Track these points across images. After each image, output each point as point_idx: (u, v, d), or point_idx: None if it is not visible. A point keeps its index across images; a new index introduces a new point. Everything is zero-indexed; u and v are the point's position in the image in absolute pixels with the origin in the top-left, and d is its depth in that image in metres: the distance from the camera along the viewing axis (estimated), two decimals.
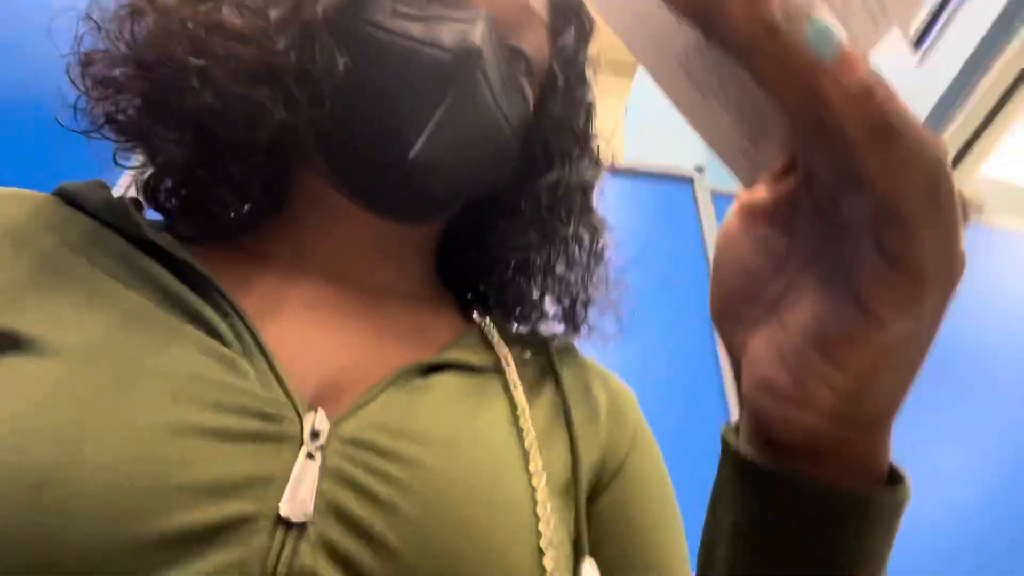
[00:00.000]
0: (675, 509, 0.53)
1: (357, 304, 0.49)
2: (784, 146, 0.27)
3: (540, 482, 0.42)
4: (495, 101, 0.48)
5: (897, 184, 0.22)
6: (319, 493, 0.34)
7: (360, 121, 0.47)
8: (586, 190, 0.58)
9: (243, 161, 0.48)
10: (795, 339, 0.26)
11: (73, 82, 0.47)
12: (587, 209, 0.59)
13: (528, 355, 0.53)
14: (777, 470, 0.29)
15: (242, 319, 0.41)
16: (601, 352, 0.60)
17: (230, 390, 0.36)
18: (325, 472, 0.35)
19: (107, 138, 0.49)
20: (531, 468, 0.42)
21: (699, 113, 0.28)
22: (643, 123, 3.40)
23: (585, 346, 0.60)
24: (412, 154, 0.45)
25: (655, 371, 1.31)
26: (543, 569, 0.38)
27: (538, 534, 0.39)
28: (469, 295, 0.61)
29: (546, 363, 0.53)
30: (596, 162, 0.60)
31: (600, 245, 0.59)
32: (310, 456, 0.35)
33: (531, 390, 0.50)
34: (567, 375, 0.53)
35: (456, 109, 0.46)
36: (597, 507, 0.49)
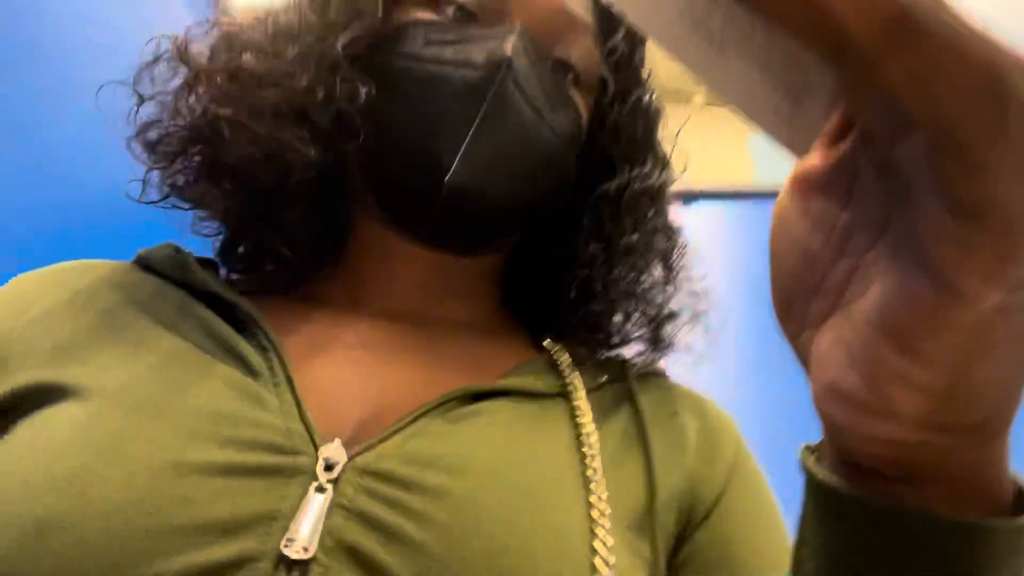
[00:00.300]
0: (786, 545, 0.47)
1: (413, 339, 0.48)
2: (833, 101, 0.23)
3: (603, 513, 0.38)
4: (536, 114, 0.47)
5: (937, 98, 0.17)
6: (328, 530, 0.33)
7: (396, 151, 0.46)
8: (654, 197, 0.55)
9: (291, 208, 0.48)
10: (864, 332, 0.21)
11: (136, 157, 0.49)
12: (658, 217, 0.55)
13: (603, 379, 0.50)
14: (860, 496, 0.24)
15: (277, 353, 0.40)
16: (696, 372, 0.56)
17: (247, 424, 0.35)
18: (335, 506, 0.33)
19: (177, 206, 0.51)
20: (592, 498, 0.38)
21: (718, 73, 0.25)
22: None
23: (680, 367, 0.56)
24: (448, 179, 0.44)
25: (755, 389, 1.22)
26: None
27: (593, 569, 0.35)
28: (541, 324, 0.58)
29: (624, 389, 0.50)
30: (664, 167, 0.56)
31: (676, 254, 0.55)
32: (320, 490, 0.34)
33: (603, 416, 0.46)
34: (648, 400, 0.49)
35: (490, 125, 0.45)
36: (691, 547, 0.44)
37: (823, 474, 0.26)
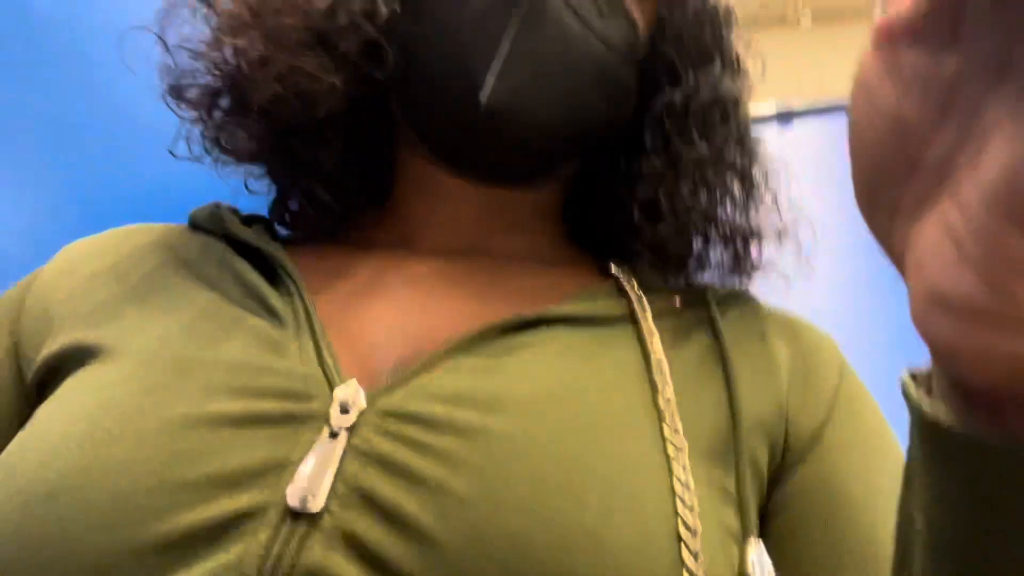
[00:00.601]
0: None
1: (466, 272, 0.44)
2: None
3: (680, 448, 0.33)
4: (581, 22, 0.41)
5: None
6: (341, 476, 0.29)
7: (427, 72, 0.42)
8: (726, 106, 0.48)
9: (326, 147, 0.46)
10: (979, 216, 0.17)
11: (173, 110, 0.47)
12: (731, 129, 0.48)
13: (676, 302, 0.44)
14: (976, 434, 0.20)
15: (302, 297, 0.38)
16: (788, 297, 0.49)
17: (264, 373, 0.33)
18: (351, 451, 0.30)
19: (219, 159, 0.50)
20: (666, 432, 0.34)
21: None
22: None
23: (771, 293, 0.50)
24: (483, 97, 0.39)
25: (853, 309, 1.12)
26: (682, 563, 0.30)
27: (674, 512, 0.31)
28: (609, 254, 0.53)
29: (702, 313, 0.44)
30: (736, 73, 0.49)
31: (756, 169, 0.49)
32: (333, 435, 0.31)
33: (677, 340, 0.41)
34: (730, 323, 0.43)
35: (526, 36, 0.40)
36: (789, 486, 0.39)
37: (931, 407, 0.21)
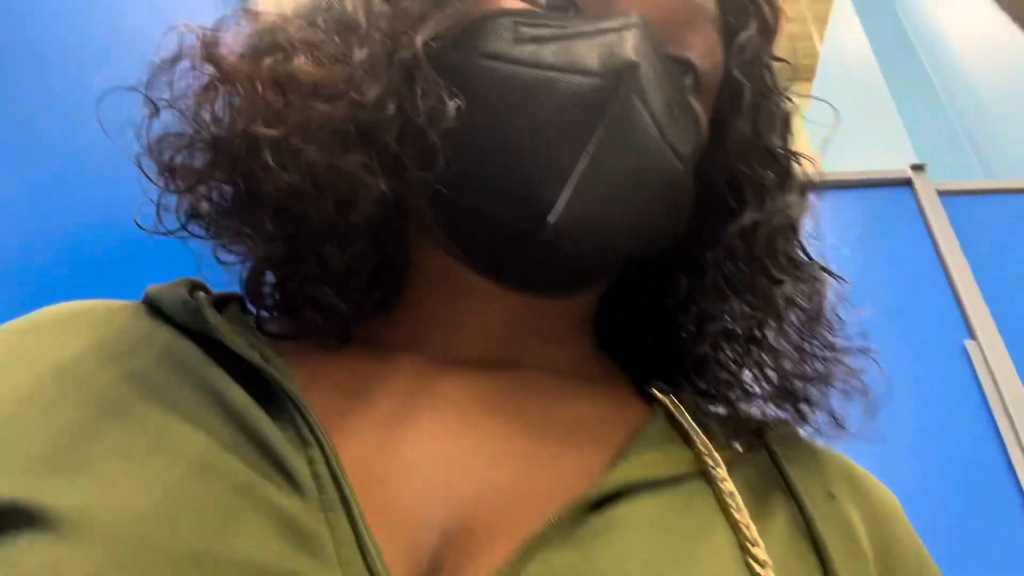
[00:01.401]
0: None
1: (506, 396, 0.37)
2: None
3: None
4: (660, 131, 0.36)
5: None
6: None
7: (484, 179, 0.35)
8: (794, 230, 0.43)
9: (345, 248, 0.38)
10: None
11: (149, 177, 0.39)
12: (797, 254, 0.44)
13: (738, 446, 0.38)
14: None
15: (325, 454, 0.30)
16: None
17: None
18: None
19: (196, 236, 0.42)
20: None
21: None
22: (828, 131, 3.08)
23: None
24: (553, 217, 0.33)
25: (903, 439, 1.07)
26: None
27: None
28: (644, 371, 0.47)
29: (765, 460, 0.38)
30: (803, 190, 0.44)
31: (820, 299, 0.43)
32: None
33: (755, 503, 0.35)
34: (796, 476, 0.38)
35: (608, 150, 0.33)
36: None
37: None
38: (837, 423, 0.42)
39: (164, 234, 0.41)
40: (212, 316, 0.35)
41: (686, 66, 0.40)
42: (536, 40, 0.36)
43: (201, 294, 0.38)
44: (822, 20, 3.86)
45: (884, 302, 1.18)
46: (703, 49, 0.40)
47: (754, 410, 0.44)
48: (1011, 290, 1.26)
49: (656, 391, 0.41)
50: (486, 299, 0.39)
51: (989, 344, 1.17)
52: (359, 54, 0.35)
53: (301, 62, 0.34)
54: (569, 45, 0.35)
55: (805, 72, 3.52)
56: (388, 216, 0.38)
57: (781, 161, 0.43)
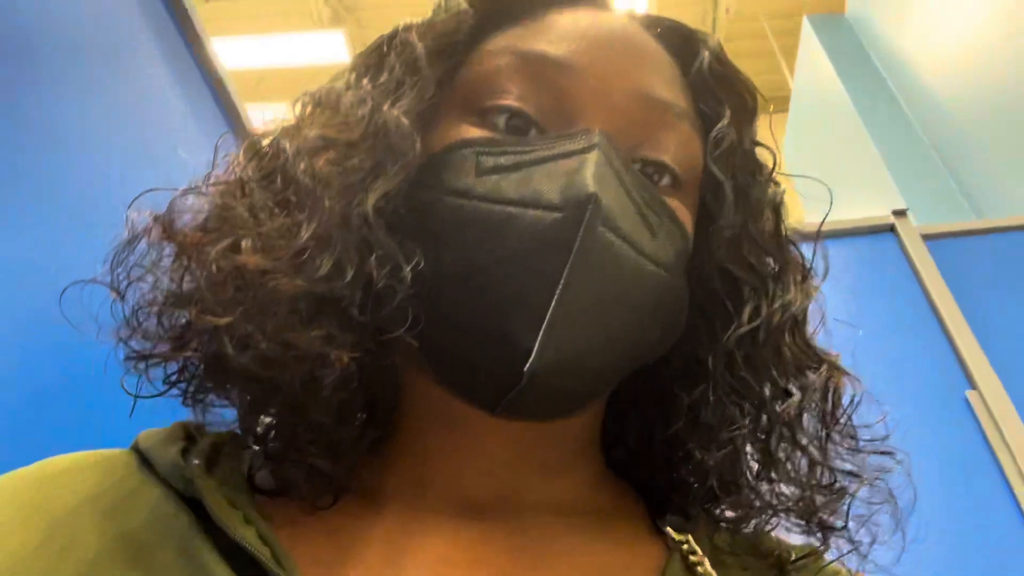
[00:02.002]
0: None
1: (509, 550, 0.36)
2: None
3: None
4: (635, 249, 0.35)
5: None
6: None
7: (459, 328, 0.35)
8: (798, 324, 0.41)
9: (328, 405, 0.36)
10: None
11: (123, 341, 0.39)
12: (805, 354, 0.42)
13: None
14: None
15: None
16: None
17: None
18: None
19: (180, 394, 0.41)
20: None
21: None
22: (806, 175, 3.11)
23: None
24: (530, 366, 0.32)
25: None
26: None
27: None
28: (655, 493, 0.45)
29: None
30: (803, 280, 0.43)
31: (834, 400, 0.41)
32: None
33: None
34: None
35: (579, 284, 0.33)
36: None
37: None
38: (857, 547, 0.40)
39: (147, 397, 0.40)
40: (208, 494, 0.34)
41: (660, 167, 0.39)
42: (497, 170, 0.36)
43: (196, 463, 0.37)
44: (790, 54, 3.95)
45: (879, 358, 1.18)
46: (676, 147, 0.40)
47: (776, 532, 0.42)
48: (1007, 334, 1.26)
49: (671, 530, 0.39)
50: (485, 430, 0.38)
51: (991, 392, 1.16)
52: (308, 227, 0.34)
53: (246, 246, 0.33)
54: (530, 175, 0.35)
55: (779, 103, 3.58)
56: (374, 358, 0.37)
57: (773, 252, 0.42)
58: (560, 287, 0.32)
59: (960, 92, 2.57)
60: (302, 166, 0.35)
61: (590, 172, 0.34)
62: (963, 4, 2.54)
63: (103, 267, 0.36)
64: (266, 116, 0.41)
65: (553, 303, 0.32)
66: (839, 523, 0.40)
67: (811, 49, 3.37)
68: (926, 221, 1.47)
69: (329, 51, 4.62)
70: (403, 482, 0.39)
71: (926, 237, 1.43)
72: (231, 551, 0.32)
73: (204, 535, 0.33)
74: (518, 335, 0.32)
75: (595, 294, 0.34)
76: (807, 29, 3.55)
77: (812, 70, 3.37)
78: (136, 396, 0.40)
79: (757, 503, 0.41)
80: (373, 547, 0.35)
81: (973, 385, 1.19)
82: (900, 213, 1.48)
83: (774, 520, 0.41)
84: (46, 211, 0.72)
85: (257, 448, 0.40)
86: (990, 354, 1.21)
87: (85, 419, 0.67)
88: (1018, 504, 1.06)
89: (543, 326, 0.32)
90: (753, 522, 0.41)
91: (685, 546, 0.38)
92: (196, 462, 0.37)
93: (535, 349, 0.32)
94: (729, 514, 0.42)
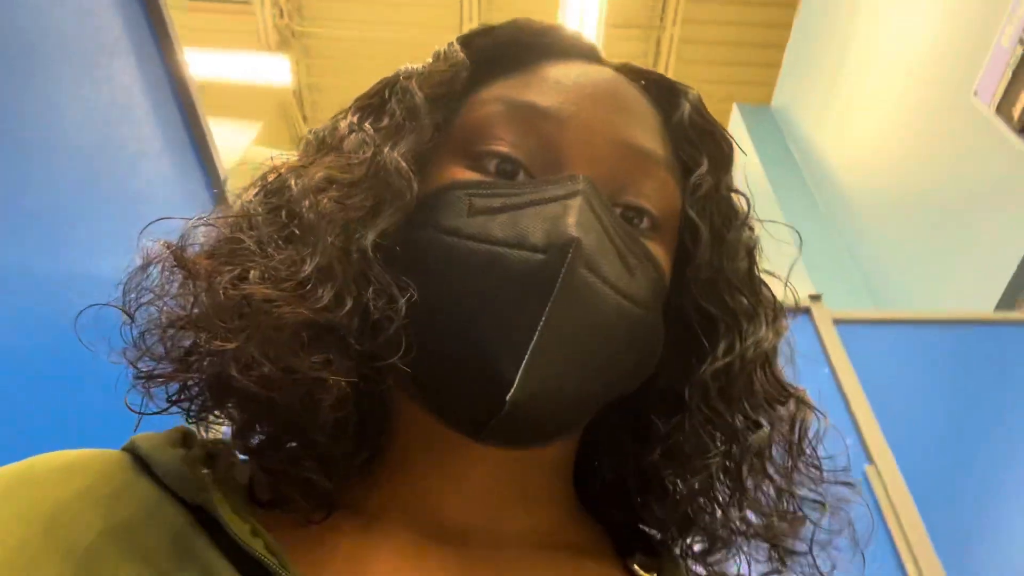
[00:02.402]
0: None
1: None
2: None
3: None
4: (613, 289, 0.38)
5: None
6: None
7: (446, 358, 0.37)
8: (769, 362, 0.45)
9: (320, 432, 0.38)
10: None
11: (132, 363, 0.39)
12: (775, 388, 0.44)
13: None
14: None
15: None
16: None
17: None
18: None
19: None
20: None
21: None
22: None
23: None
24: (511, 396, 0.34)
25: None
26: None
27: None
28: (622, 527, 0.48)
29: None
30: (775, 319, 0.46)
31: (800, 432, 0.44)
32: None
33: None
34: None
35: (560, 321, 0.35)
36: None
37: None
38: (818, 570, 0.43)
39: (152, 413, 0.41)
40: (221, 505, 0.35)
41: (640, 212, 0.42)
42: (487, 211, 0.38)
43: (206, 472, 0.37)
44: None
45: None
46: (656, 193, 0.42)
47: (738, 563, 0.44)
48: (903, 416, 1.38)
49: (639, 568, 0.42)
50: (470, 456, 0.40)
51: (886, 468, 1.26)
52: (311, 260, 0.36)
53: (255, 277, 0.35)
54: (517, 217, 0.38)
55: None
56: (368, 382, 0.38)
57: (747, 291, 0.45)
58: (542, 323, 0.35)
59: (871, 189, 2.80)
60: (307, 203, 0.37)
61: (573, 217, 0.36)
62: (879, 106, 2.78)
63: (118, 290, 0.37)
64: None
65: (535, 338, 0.34)
66: (802, 548, 0.43)
67: (739, 135, 3.59)
68: (832, 307, 1.59)
69: (273, 74, 4.58)
70: (389, 504, 0.40)
71: (837, 322, 1.55)
72: (233, 556, 0.33)
73: (206, 537, 0.34)
74: (502, 366, 0.35)
75: (574, 329, 0.36)
76: (736, 117, 3.79)
77: (738, 155, 3.58)
78: (140, 413, 0.41)
79: (723, 533, 0.43)
80: (361, 563, 0.37)
81: (871, 460, 1.30)
82: (815, 298, 1.60)
83: (736, 552, 0.44)
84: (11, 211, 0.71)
85: (249, 459, 0.41)
86: (887, 433, 1.32)
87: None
88: (904, 571, 1.15)
89: (525, 358, 0.34)
90: (719, 554, 0.44)
91: None
92: (206, 471, 0.37)
93: (517, 380, 0.34)
94: (697, 548, 0.45)
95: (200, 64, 4.31)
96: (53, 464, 0.37)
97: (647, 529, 0.47)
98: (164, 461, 0.37)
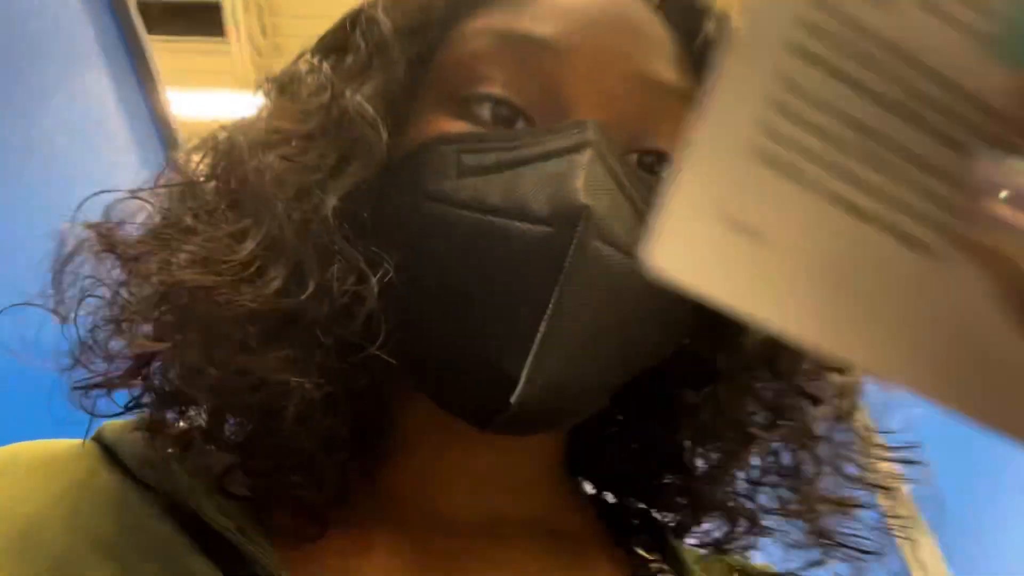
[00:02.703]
0: None
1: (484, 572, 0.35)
2: None
3: None
4: (632, 256, 0.31)
5: None
6: None
7: (441, 343, 0.32)
8: None
9: (304, 438, 0.33)
10: None
11: (81, 356, 0.34)
12: (799, 364, 0.39)
13: None
14: None
15: None
16: None
17: None
18: None
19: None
20: None
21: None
22: None
23: None
24: (515, 397, 0.30)
25: None
26: None
27: None
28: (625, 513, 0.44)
29: None
30: None
31: (850, 403, 0.39)
32: None
33: None
34: None
35: (570, 306, 0.30)
36: None
37: None
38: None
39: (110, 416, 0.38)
40: (207, 505, 0.31)
41: (661, 157, 0.35)
42: (481, 171, 0.32)
43: (175, 467, 0.33)
44: None
45: None
46: (676, 133, 0.35)
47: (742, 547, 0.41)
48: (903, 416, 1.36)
49: (641, 551, 0.39)
50: (473, 445, 0.36)
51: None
52: (255, 234, 0.30)
53: (185, 260, 0.30)
54: (516, 178, 0.31)
55: None
56: (351, 379, 0.34)
57: None
58: (549, 311, 0.29)
59: None
60: (253, 163, 0.31)
61: (581, 178, 0.30)
62: None
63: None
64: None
65: (542, 328, 0.29)
66: (845, 533, 0.38)
67: None
68: None
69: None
70: (386, 505, 0.36)
71: None
72: (207, 544, 0.30)
73: (179, 529, 0.31)
74: (503, 362, 0.30)
75: (589, 314, 0.31)
76: None
77: None
78: (93, 415, 0.38)
79: (752, 515, 0.39)
80: (355, 559, 0.34)
81: None
82: None
83: (759, 537, 0.40)
84: None
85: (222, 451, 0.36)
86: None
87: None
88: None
89: (531, 353, 0.29)
90: (741, 541, 0.40)
91: (654, 565, 0.37)
92: (171, 452, 0.34)
93: (522, 379, 0.29)
94: (717, 535, 0.41)
95: (178, 104, 4.29)
96: (24, 460, 0.34)
97: (656, 513, 0.43)
98: (131, 452, 0.34)
